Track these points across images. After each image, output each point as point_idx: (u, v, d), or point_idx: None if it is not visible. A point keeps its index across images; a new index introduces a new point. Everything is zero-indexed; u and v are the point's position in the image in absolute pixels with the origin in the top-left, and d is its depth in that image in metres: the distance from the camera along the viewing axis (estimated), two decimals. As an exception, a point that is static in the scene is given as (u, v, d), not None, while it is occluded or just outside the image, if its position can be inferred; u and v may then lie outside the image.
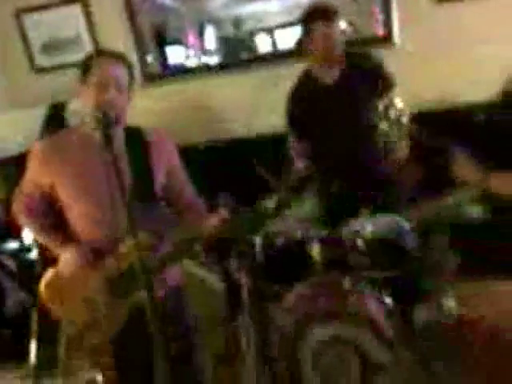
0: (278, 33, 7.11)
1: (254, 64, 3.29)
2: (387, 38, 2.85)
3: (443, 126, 2.48)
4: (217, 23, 6.44)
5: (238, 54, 6.53)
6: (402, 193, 2.31)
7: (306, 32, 2.25)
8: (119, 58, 1.61)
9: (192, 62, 5.13)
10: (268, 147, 2.85)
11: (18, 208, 1.71)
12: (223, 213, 1.52)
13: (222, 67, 3.65)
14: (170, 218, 1.73)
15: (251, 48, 6.97)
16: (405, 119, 2.02)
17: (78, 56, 3.20)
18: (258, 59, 3.71)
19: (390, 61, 2.43)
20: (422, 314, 2.27)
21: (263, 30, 6.86)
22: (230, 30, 6.77)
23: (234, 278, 2.11)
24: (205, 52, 5.94)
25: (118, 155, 1.55)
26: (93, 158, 1.58)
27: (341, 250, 2.07)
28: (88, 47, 3.19)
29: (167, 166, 1.68)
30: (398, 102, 2.07)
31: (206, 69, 3.99)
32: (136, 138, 1.59)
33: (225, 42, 6.81)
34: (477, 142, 1.73)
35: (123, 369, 1.68)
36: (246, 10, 6.40)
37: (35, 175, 1.62)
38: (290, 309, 2.13)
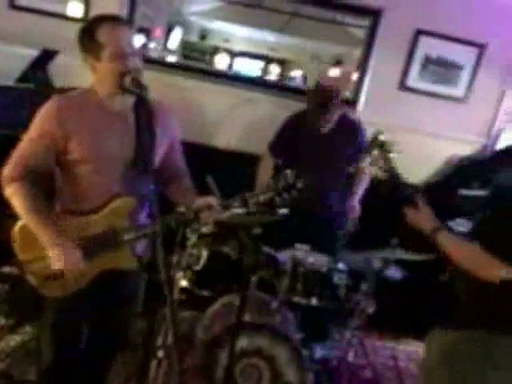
0: (238, 58, 7.36)
1: (210, 76, 3.42)
2: (353, 103, 3.18)
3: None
4: (185, 27, 6.51)
5: (196, 63, 6.63)
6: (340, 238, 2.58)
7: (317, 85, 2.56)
8: (121, 21, 1.60)
9: (154, 54, 5.13)
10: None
11: (12, 173, 1.56)
12: (210, 199, 1.58)
13: (181, 68, 3.71)
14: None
15: (210, 62, 7.12)
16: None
17: (58, 6, 3.10)
18: (214, 74, 3.84)
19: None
20: (320, 350, 2.49)
21: (225, 49, 7.07)
22: (194, 38, 6.88)
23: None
24: (167, 49, 5.95)
25: (128, 122, 1.58)
26: (107, 122, 1.58)
27: (277, 273, 2.22)
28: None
29: (169, 137, 1.71)
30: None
31: (166, 64, 4.02)
32: (143, 107, 1.59)
33: (187, 46, 6.87)
34: None
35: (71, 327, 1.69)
36: (215, 25, 6.57)
37: (49, 129, 1.53)
38: (214, 316, 2.22)
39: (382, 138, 1.71)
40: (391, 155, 1.69)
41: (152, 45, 5.25)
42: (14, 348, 2.43)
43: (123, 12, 3.10)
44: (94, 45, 1.50)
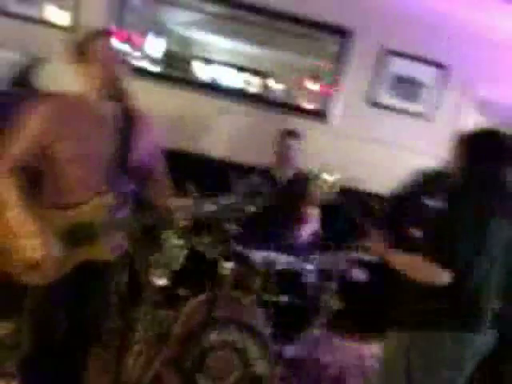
0: (217, 68, 7.49)
1: (190, 86, 3.56)
2: (323, 116, 3.38)
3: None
4: (168, 37, 6.63)
5: (176, 71, 6.74)
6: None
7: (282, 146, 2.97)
8: (110, 33, 1.79)
9: (136, 62, 5.23)
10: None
11: (1, 168, 1.67)
12: (187, 200, 1.74)
13: (162, 77, 3.84)
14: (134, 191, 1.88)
15: (189, 71, 7.23)
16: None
17: (48, 13, 3.20)
18: (194, 84, 3.98)
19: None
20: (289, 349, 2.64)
21: (205, 59, 7.20)
22: (176, 48, 6.99)
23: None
24: (147, 57, 6.06)
25: (111, 125, 1.72)
26: (93, 125, 1.73)
27: (250, 272, 2.37)
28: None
29: (149, 142, 1.85)
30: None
31: (146, 73, 4.14)
32: (126, 113, 1.75)
33: (167, 55, 6.98)
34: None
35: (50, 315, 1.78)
36: (198, 36, 6.72)
37: (40, 128, 1.67)
38: (190, 313, 2.35)
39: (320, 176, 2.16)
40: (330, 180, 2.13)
41: (134, 53, 5.36)
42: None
43: (111, 20, 3.23)
44: (85, 53, 1.68)
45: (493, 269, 1.71)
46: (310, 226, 2.89)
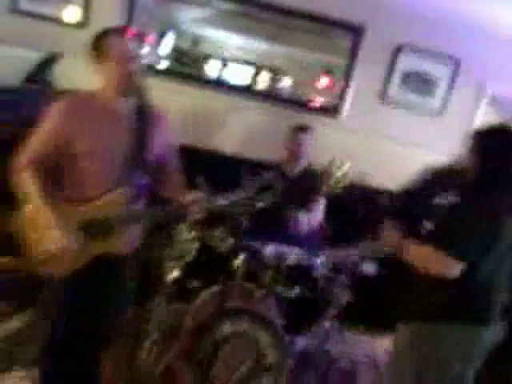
0: (228, 65, 7.52)
1: (201, 84, 3.60)
2: (335, 112, 3.41)
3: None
4: (178, 34, 6.68)
5: (187, 69, 6.79)
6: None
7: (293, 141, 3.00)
8: (124, 31, 1.86)
9: (147, 59, 5.28)
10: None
11: (23, 163, 1.74)
12: (199, 194, 1.78)
13: (172, 74, 3.89)
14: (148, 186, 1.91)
15: (201, 68, 7.28)
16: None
17: (59, 11, 3.25)
18: (205, 81, 4.02)
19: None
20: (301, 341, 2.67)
21: (216, 56, 7.24)
22: (186, 44, 7.04)
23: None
24: (158, 55, 6.11)
25: (128, 121, 1.76)
26: (108, 121, 1.77)
27: (261, 265, 2.40)
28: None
29: (163, 139, 1.90)
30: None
31: (157, 70, 4.19)
32: (141, 109, 1.79)
33: (179, 53, 7.03)
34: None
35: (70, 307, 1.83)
36: (207, 33, 6.76)
37: (57, 125, 1.73)
38: (202, 305, 2.38)
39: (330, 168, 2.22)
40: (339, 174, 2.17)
41: (145, 50, 5.41)
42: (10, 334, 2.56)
43: (120, 17, 3.28)
44: (102, 51, 1.72)
45: (502, 264, 1.73)
46: (314, 214, 2.90)
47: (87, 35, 1.80)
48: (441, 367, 1.74)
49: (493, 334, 1.75)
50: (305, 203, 2.82)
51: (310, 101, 3.79)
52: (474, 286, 1.69)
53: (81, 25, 3.23)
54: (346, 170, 2.24)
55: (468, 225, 1.67)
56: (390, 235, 1.91)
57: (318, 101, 3.81)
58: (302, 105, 3.60)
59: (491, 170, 1.76)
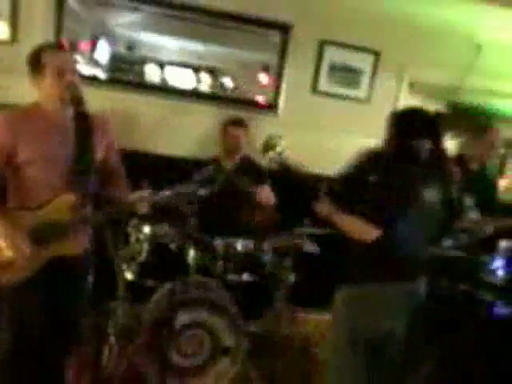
0: (168, 68, 7.53)
1: (142, 89, 3.69)
2: (273, 108, 3.59)
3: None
4: (111, 39, 6.63)
5: (126, 75, 6.75)
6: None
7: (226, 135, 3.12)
8: (61, 46, 1.93)
9: (83, 68, 5.24)
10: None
11: None
12: (144, 191, 1.91)
13: (111, 82, 3.94)
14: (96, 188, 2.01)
15: (140, 74, 7.25)
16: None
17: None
18: (146, 86, 4.10)
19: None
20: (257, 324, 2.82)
21: (154, 60, 7.24)
22: (122, 50, 7.00)
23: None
24: (94, 63, 6.06)
25: (69, 129, 1.85)
26: (49, 130, 1.87)
27: (212, 257, 2.54)
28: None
29: (106, 143, 2.02)
30: None
31: (94, 79, 4.20)
32: (81, 117, 1.88)
33: (115, 59, 6.97)
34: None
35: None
36: (142, 36, 6.77)
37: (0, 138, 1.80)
38: (158, 301, 2.49)
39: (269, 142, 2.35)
40: (278, 149, 2.29)
41: (82, 60, 5.37)
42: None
43: (49, 29, 3.29)
44: (39, 66, 1.81)
45: (419, 226, 1.97)
46: (265, 207, 3.05)
47: (17, 51, 1.87)
48: (370, 322, 1.97)
49: (415, 288, 2.00)
50: (247, 193, 2.95)
51: (250, 99, 3.93)
52: (393, 247, 1.92)
53: (9, 42, 3.13)
54: (284, 145, 2.41)
55: (385, 194, 1.90)
56: (324, 207, 2.09)
57: (260, 98, 3.96)
58: (243, 103, 3.74)
59: (406, 146, 1.99)
